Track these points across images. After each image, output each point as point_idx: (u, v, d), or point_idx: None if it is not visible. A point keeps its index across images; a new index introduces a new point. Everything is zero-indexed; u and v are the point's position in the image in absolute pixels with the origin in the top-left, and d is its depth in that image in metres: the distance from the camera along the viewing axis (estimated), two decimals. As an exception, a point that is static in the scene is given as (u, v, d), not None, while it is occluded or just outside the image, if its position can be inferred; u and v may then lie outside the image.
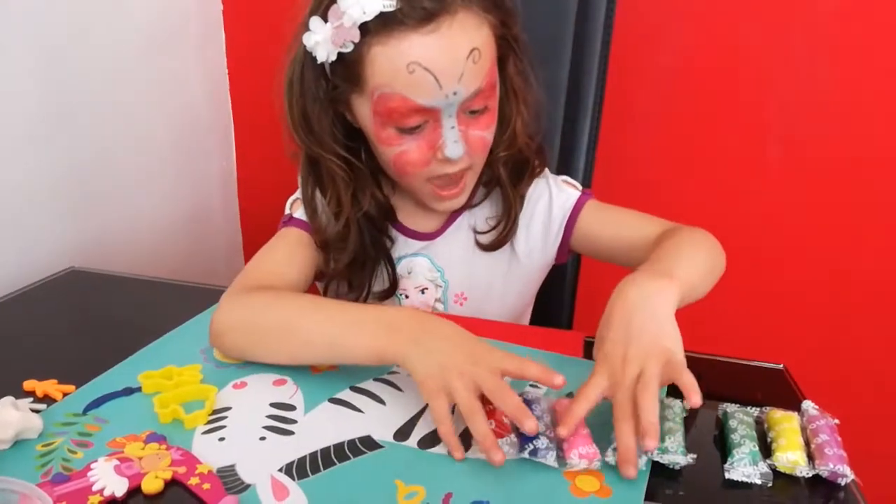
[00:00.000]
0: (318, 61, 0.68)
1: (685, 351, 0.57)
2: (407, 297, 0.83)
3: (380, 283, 0.80)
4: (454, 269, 0.82)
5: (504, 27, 0.69)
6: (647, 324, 0.57)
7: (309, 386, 0.64)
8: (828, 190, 1.18)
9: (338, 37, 0.64)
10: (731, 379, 0.70)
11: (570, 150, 0.97)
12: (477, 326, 0.66)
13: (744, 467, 0.52)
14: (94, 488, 0.49)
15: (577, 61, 0.94)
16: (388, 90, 0.65)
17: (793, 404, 0.60)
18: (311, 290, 0.80)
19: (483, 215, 0.82)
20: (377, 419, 0.59)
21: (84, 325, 0.81)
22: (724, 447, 0.56)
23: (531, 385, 0.62)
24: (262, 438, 0.56)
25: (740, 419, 0.57)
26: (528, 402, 0.56)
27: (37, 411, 0.58)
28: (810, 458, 0.54)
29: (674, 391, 0.56)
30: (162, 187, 1.26)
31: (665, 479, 0.52)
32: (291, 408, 0.61)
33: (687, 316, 0.59)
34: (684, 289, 0.61)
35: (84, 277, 0.93)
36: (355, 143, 0.74)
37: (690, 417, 0.59)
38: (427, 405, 0.58)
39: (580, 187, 0.84)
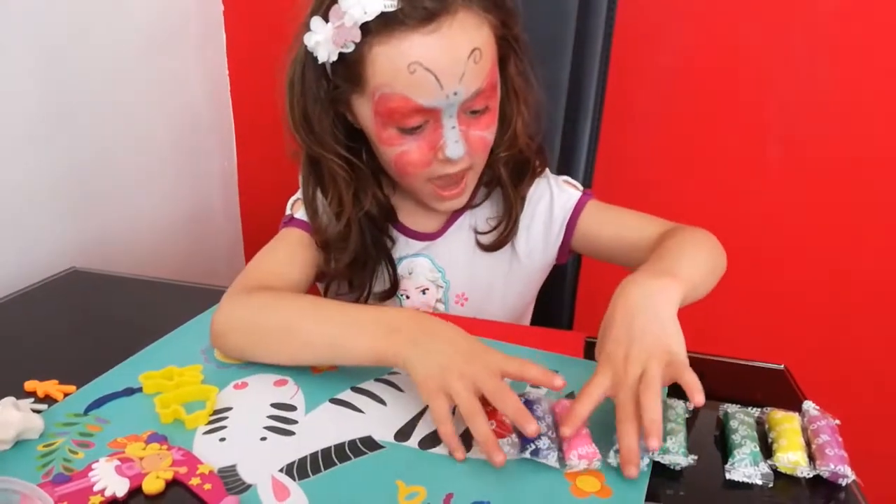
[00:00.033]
0: (319, 61, 0.68)
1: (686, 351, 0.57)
2: (408, 297, 0.83)
3: (380, 284, 0.80)
4: (455, 269, 0.82)
5: (505, 27, 0.69)
6: (650, 324, 0.57)
7: (310, 386, 0.64)
8: (828, 190, 1.18)
9: (339, 37, 0.64)
10: (731, 379, 0.70)
11: (570, 149, 0.97)
12: (477, 327, 0.66)
13: (745, 468, 0.52)
14: (95, 488, 0.49)
15: (577, 61, 0.94)
16: (388, 90, 0.65)
17: (794, 405, 0.60)
18: (311, 290, 0.80)
19: (484, 216, 0.82)
20: (378, 419, 0.59)
21: (85, 326, 0.81)
22: (724, 448, 0.56)
23: (532, 386, 0.62)
24: (263, 439, 0.57)
25: (741, 420, 0.57)
26: (530, 403, 0.56)
27: (38, 412, 0.58)
28: (811, 458, 0.54)
29: (676, 392, 0.56)
30: (162, 187, 1.26)
31: (666, 480, 0.52)
32: (292, 408, 0.61)
33: (687, 316, 0.59)
34: (686, 288, 0.61)
35: (85, 278, 0.93)
36: (356, 143, 0.74)
37: (691, 418, 0.59)
38: (427, 406, 0.58)
39: (581, 187, 0.84)
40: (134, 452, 0.53)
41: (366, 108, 0.69)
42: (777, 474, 0.53)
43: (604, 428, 0.55)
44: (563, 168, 0.96)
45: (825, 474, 0.52)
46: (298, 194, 0.79)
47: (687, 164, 1.23)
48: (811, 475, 0.52)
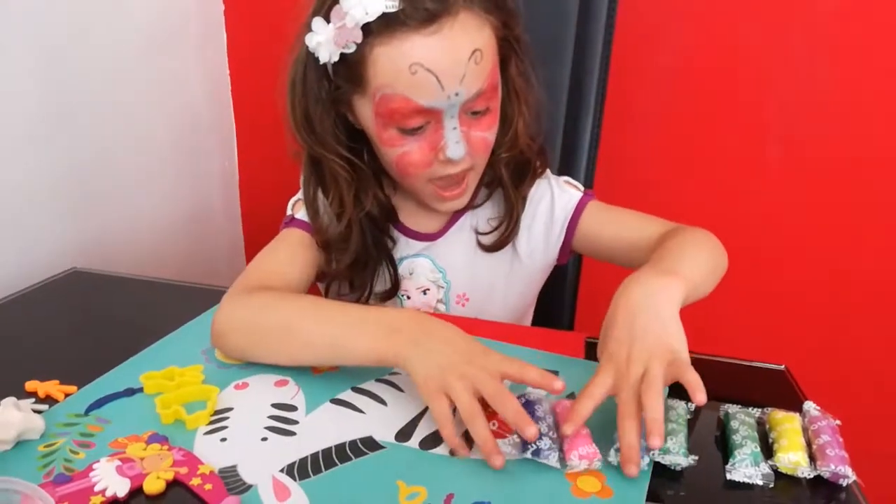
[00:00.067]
0: (321, 62, 0.68)
1: (686, 352, 0.57)
2: (409, 297, 0.83)
3: (381, 284, 0.80)
4: (456, 269, 0.82)
5: (506, 28, 0.69)
6: (651, 323, 0.57)
7: (310, 387, 0.64)
8: (828, 190, 1.18)
9: (340, 37, 0.64)
10: (732, 380, 0.70)
11: (571, 150, 0.97)
12: (478, 327, 0.66)
13: (745, 468, 0.52)
14: (96, 489, 0.49)
15: (578, 62, 0.94)
16: (390, 91, 0.65)
17: (794, 405, 0.60)
18: (312, 290, 0.80)
19: (485, 216, 0.82)
20: (379, 420, 0.59)
21: (86, 326, 0.81)
22: (725, 448, 0.56)
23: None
24: (264, 439, 0.57)
25: (742, 420, 0.57)
26: (530, 404, 0.56)
27: (39, 412, 0.58)
28: (812, 458, 0.54)
29: (677, 392, 0.56)
30: (163, 187, 1.26)
31: (666, 480, 0.52)
32: (293, 408, 0.61)
33: (688, 316, 0.59)
34: (688, 287, 0.61)
35: (85, 278, 0.93)
36: (357, 143, 0.74)
37: (692, 419, 0.59)
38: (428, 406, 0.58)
39: (582, 188, 0.84)
40: (135, 453, 0.53)
41: (367, 109, 0.69)
42: (778, 475, 0.53)
43: (604, 427, 0.55)
44: (564, 168, 0.96)
45: (826, 475, 0.52)
46: (299, 195, 0.79)
47: (687, 164, 1.23)
48: (812, 475, 0.52)
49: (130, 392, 0.63)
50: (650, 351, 0.55)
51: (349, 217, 0.74)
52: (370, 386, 0.64)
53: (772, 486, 0.52)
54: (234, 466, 0.53)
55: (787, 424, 0.56)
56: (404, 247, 0.81)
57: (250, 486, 0.51)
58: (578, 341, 0.72)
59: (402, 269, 0.82)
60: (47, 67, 0.98)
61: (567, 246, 0.83)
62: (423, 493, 0.50)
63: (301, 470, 0.53)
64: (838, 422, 0.57)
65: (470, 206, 0.80)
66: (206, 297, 0.79)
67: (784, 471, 0.53)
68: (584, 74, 0.95)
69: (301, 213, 0.78)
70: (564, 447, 0.53)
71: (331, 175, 0.73)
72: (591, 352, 0.66)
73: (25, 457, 0.54)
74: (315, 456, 0.54)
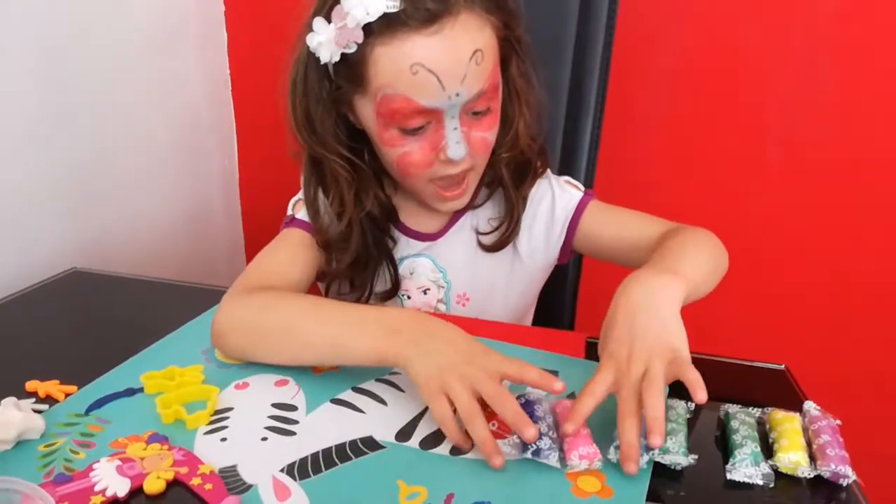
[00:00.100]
0: (322, 62, 0.68)
1: (686, 352, 0.57)
2: (409, 297, 0.83)
3: (382, 284, 0.80)
4: (456, 269, 0.82)
5: (507, 28, 0.69)
6: (652, 322, 0.57)
7: (311, 386, 0.64)
8: (828, 191, 1.18)
9: (341, 37, 0.64)
10: (732, 380, 0.70)
11: (571, 150, 0.97)
12: (479, 327, 0.66)
13: (745, 468, 0.52)
14: (97, 489, 0.49)
15: (578, 62, 0.94)
16: (391, 91, 0.65)
17: (794, 405, 0.60)
18: (312, 290, 0.80)
19: (485, 216, 0.82)
20: (379, 420, 0.59)
21: (86, 326, 0.81)
22: (725, 448, 0.56)
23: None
24: (264, 439, 0.57)
25: (742, 420, 0.57)
26: (530, 403, 0.56)
27: (39, 412, 0.58)
28: (812, 458, 0.54)
29: (677, 391, 0.56)
30: (163, 187, 1.26)
31: (667, 480, 0.52)
32: (293, 408, 0.61)
33: (688, 316, 0.59)
34: (688, 286, 0.61)
35: (85, 278, 0.93)
36: (358, 143, 0.74)
37: (692, 418, 0.59)
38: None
39: (582, 188, 0.84)
40: (135, 452, 0.53)
41: (368, 109, 0.69)
42: (778, 474, 0.53)
43: (605, 426, 0.55)
44: (565, 168, 0.96)
45: (826, 474, 0.52)
46: (300, 195, 0.79)
47: (687, 164, 1.23)
48: (812, 475, 0.52)
49: (130, 392, 0.63)
50: (651, 349, 0.55)
51: (350, 217, 0.74)
52: (370, 386, 0.64)
53: (772, 485, 0.52)
54: (235, 466, 0.53)
55: (787, 424, 0.56)
56: (405, 247, 0.81)
57: (250, 486, 0.51)
58: (579, 341, 0.72)
59: (403, 268, 0.82)
60: (47, 67, 0.98)
61: (568, 246, 0.83)
62: (423, 493, 0.50)
63: (301, 470, 0.53)
64: (838, 422, 0.57)
65: (470, 206, 0.80)
66: (206, 297, 0.79)
67: (784, 471, 0.53)
68: (584, 75, 0.95)
69: (301, 213, 0.78)
70: (565, 447, 0.53)
71: (331, 175, 0.73)
72: (592, 352, 0.66)
73: (25, 457, 0.54)
74: (315, 456, 0.54)
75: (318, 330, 0.63)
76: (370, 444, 0.56)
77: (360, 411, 0.61)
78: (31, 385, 0.63)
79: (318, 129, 0.71)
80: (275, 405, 0.61)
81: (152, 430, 0.56)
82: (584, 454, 0.52)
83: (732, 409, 0.59)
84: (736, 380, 0.70)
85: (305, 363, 0.66)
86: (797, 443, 0.54)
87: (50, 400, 0.62)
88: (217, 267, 1.41)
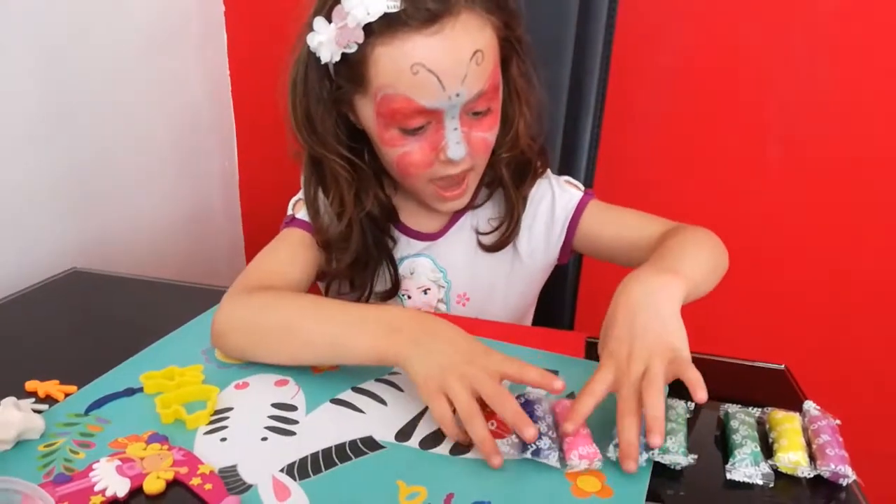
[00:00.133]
0: (322, 62, 0.68)
1: (686, 352, 0.57)
2: (409, 297, 0.83)
3: (382, 284, 0.80)
4: (457, 269, 0.82)
5: (507, 29, 0.69)
6: (652, 321, 0.57)
7: (310, 386, 0.64)
8: (828, 190, 1.18)
9: (342, 37, 0.64)
10: (732, 379, 0.70)
11: (571, 150, 0.97)
12: (479, 327, 0.66)
13: (745, 468, 0.52)
14: (96, 489, 0.49)
15: (578, 62, 0.94)
16: (391, 91, 0.65)
17: (794, 405, 0.60)
18: (312, 289, 0.80)
19: (485, 216, 0.82)
20: (379, 420, 0.59)
21: (86, 326, 0.81)
22: (725, 448, 0.56)
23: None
24: (264, 439, 0.57)
25: (742, 420, 0.57)
26: (530, 403, 0.56)
27: (39, 412, 0.58)
28: (812, 458, 0.54)
29: (678, 391, 0.56)
30: (163, 187, 1.26)
31: (666, 480, 0.52)
32: (293, 408, 0.61)
33: (688, 316, 0.60)
34: (689, 285, 0.61)
35: (85, 278, 0.93)
36: (358, 143, 0.74)
37: (692, 418, 0.59)
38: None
39: (582, 188, 0.84)
40: (135, 452, 0.53)
41: (368, 109, 0.69)
42: (778, 474, 0.53)
43: (604, 425, 0.55)
44: (565, 168, 0.96)
45: (826, 474, 0.52)
46: (300, 195, 0.79)
47: (687, 164, 1.23)
48: (812, 475, 0.52)
49: (130, 392, 0.63)
50: (651, 349, 0.55)
51: (350, 217, 0.74)
52: (370, 386, 0.64)
53: (772, 485, 0.52)
54: (234, 466, 0.53)
55: (787, 424, 0.56)
56: (405, 246, 0.81)
57: (250, 486, 0.51)
58: (579, 341, 0.72)
59: (403, 268, 0.82)
60: (47, 67, 0.98)
61: (568, 245, 0.83)
62: (423, 493, 0.50)
63: (301, 470, 0.53)
64: (838, 421, 0.57)
65: (470, 206, 0.80)
66: (206, 297, 0.79)
67: (784, 470, 0.53)
68: (584, 74, 0.95)
69: (302, 213, 0.78)
70: (564, 447, 0.53)
71: (331, 175, 0.73)
72: (592, 352, 0.66)
73: (25, 457, 0.54)
74: (315, 456, 0.54)
75: (318, 329, 0.63)
76: (370, 444, 0.56)
77: (360, 411, 0.61)
78: (30, 385, 0.63)
79: (318, 128, 0.71)
80: (275, 405, 0.61)
81: (152, 430, 0.56)
82: (583, 454, 0.52)
83: (732, 408, 0.59)
84: (736, 379, 0.70)
85: (305, 363, 0.66)
86: (797, 442, 0.54)
87: (50, 400, 0.62)
88: (217, 267, 1.41)
